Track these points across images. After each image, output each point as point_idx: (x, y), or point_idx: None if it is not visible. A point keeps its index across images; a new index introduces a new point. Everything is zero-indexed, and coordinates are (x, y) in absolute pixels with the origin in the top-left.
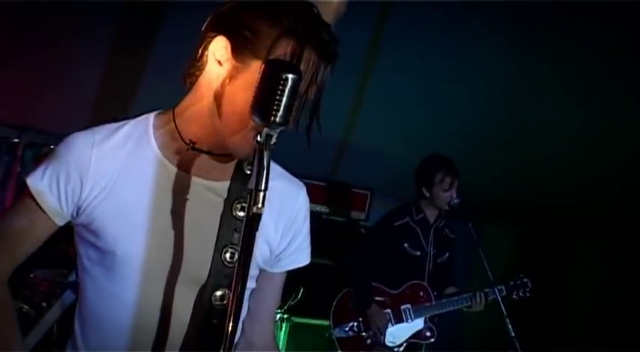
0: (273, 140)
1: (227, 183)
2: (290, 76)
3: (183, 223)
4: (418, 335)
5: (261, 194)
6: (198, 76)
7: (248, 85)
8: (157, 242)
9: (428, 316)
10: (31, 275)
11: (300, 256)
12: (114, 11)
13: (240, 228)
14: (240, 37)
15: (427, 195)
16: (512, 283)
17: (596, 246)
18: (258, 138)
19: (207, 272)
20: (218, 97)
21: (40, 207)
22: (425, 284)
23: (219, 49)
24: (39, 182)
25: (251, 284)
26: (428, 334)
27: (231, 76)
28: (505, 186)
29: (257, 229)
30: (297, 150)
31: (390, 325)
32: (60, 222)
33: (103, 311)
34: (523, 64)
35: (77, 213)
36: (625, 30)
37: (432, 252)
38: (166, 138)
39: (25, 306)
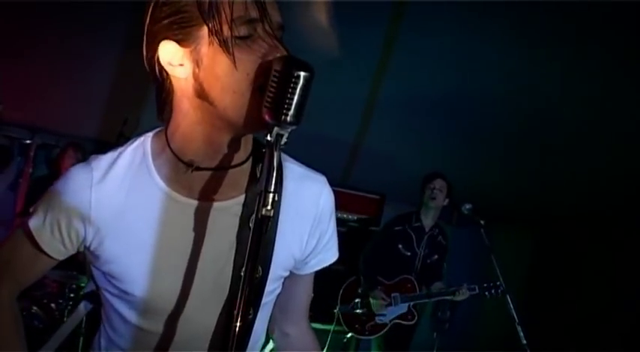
0: (284, 140)
1: (241, 198)
2: (302, 74)
3: (202, 252)
4: (402, 317)
5: (271, 195)
6: (172, 99)
7: (215, 52)
8: (178, 277)
9: (411, 303)
10: None
11: (328, 254)
12: (125, 10)
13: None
14: (176, 26)
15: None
16: (485, 285)
17: (607, 248)
18: (268, 138)
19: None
20: (201, 92)
21: (43, 251)
22: (412, 278)
23: (169, 53)
24: (41, 227)
25: (269, 298)
26: (409, 317)
27: (197, 61)
28: (517, 191)
29: (266, 232)
30: (309, 155)
31: (384, 307)
32: (63, 258)
33: (131, 339)
34: (539, 67)
35: (84, 248)
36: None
37: (422, 254)
38: (166, 166)
39: (34, 307)
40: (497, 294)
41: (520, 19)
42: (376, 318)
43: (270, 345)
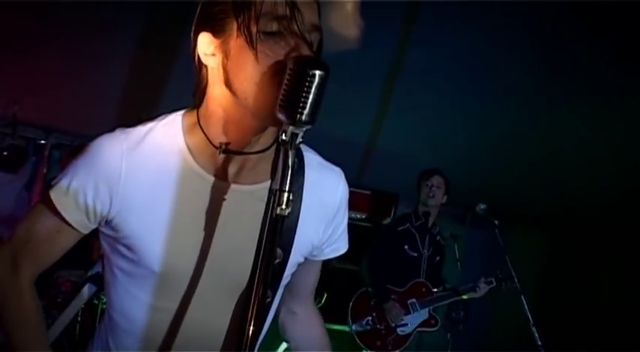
0: (299, 139)
1: (266, 184)
2: (317, 73)
3: (226, 234)
4: (425, 323)
5: (285, 194)
6: (205, 86)
7: (242, 45)
8: (200, 256)
9: (432, 307)
10: (54, 275)
11: (341, 244)
12: (140, 10)
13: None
14: (212, 19)
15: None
16: (500, 276)
17: (622, 251)
18: (283, 137)
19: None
20: (227, 81)
21: (66, 221)
22: (425, 281)
23: (204, 44)
24: (63, 196)
25: (284, 282)
26: (432, 322)
27: (226, 52)
28: (532, 193)
29: (280, 231)
30: (323, 155)
31: (403, 316)
32: (86, 232)
33: (141, 320)
34: (551, 69)
35: (105, 223)
36: None
37: (426, 254)
38: (198, 145)
39: (53, 310)
40: (513, 285)
41: (535, 18)
42: (398, 330)
43: (284, 345)
